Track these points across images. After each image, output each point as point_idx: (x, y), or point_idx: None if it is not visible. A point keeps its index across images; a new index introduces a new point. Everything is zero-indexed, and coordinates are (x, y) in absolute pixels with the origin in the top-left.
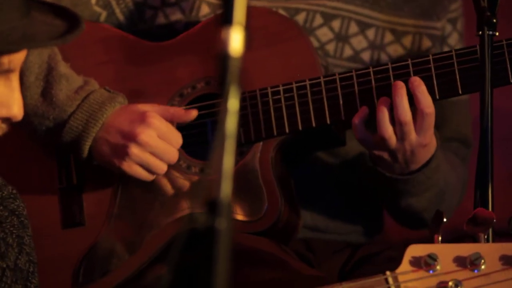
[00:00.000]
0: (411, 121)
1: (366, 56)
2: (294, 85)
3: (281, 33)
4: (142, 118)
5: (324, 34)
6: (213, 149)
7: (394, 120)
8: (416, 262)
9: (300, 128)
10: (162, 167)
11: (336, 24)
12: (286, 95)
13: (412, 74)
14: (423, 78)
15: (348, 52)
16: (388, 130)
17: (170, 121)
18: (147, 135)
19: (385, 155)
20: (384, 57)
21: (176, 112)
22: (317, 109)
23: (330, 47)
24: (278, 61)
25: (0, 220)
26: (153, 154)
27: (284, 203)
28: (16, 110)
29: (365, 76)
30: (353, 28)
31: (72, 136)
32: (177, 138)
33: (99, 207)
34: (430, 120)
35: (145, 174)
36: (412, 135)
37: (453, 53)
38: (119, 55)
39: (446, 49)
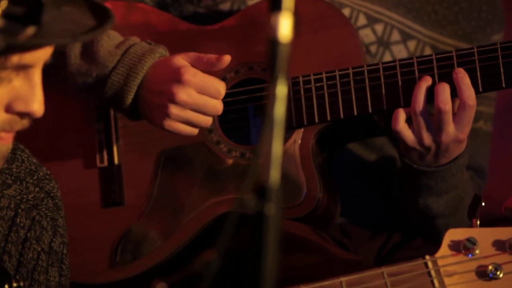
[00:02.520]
0: (450, 111)
1: None
2: (337, 73)
3: (325, 20)
4: (177, 77)
5: (367, 35)
6: (261, 135)
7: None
8: (455, 246)
9: (342, 116)
10: (207, 121)
11: (379, 27)
12: (329, 82)
13: (456, 65)
14: (467, 70)
15: (387, 58)
16: (420, 104)
17: (207, 70)
18: (184, 93)
19: (418, 146)
20: None
21: (208, 60)
22: (359, 98)
23: (372, 49)
24: (322, 48)
25: (36, 202)
26: (195, 110)
27: (323, 190)
28: (36, 107)
29: (408, 66)
30: (396, 36)
31: (114, 91)
32: (218, 89)
33: (139, 187)
34: (471, 114)
35: (188, 129)
36: (451, 127)
37: (498, 46)
38: (163, 37)
39: None
